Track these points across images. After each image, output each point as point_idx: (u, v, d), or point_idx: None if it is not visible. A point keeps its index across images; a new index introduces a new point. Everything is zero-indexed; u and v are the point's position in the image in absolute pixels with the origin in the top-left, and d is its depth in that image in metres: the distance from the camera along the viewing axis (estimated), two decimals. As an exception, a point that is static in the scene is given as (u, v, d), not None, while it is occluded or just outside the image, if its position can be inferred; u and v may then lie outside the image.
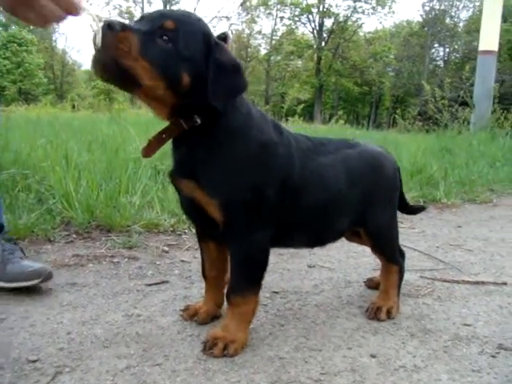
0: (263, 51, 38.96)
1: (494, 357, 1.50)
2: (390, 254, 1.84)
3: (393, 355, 1.50)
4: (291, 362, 1.43)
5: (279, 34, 36.78)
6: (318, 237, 1.70)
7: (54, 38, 46.28)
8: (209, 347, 1.44)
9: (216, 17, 36.02)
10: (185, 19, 1.28)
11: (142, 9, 33.70)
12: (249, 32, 39.16)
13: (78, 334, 1.54)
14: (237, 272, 1.47)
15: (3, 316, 1.63)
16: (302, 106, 16.05)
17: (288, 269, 2.36)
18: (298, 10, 32.85)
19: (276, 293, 2.02)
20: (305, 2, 32.95)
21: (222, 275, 1.68)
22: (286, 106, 12.27)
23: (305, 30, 35.21)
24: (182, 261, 2.41)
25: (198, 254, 2.52)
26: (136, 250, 2.51)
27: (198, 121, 1.34)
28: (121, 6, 33.36)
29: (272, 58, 37.31)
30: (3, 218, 1.97)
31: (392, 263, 1.85)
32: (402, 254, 1.90)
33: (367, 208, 1.70)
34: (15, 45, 36.87)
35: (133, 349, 1.46)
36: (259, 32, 38.52)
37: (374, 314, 1.78)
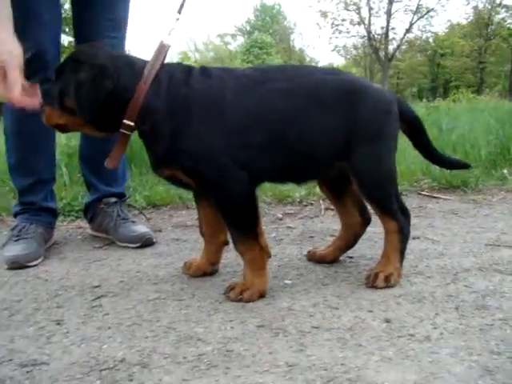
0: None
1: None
2: (383, 201, 1.64)
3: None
4: (295, 313, 1.45)
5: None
6: (290, 169, 1.62)
7: (291, 39, 49.88)
8: (228, 291, 1.56)
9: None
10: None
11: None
12: (489, 7, 34.84)
13: (144, 273, 1.84)
14: (228, 223, 1.58)
15: (105, 257, 2.06)
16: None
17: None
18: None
19: (350, 257, 1.97)
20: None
21: (216, 233, 1.75)
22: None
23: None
24: (289, 227, 2.52)
25: (309, 222, 2.62)
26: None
27: (130, 123, 1.50)
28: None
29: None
30: (124, 187, 2.42)
31: (388, 217, 1.64)
32: (405, 213, 1.67)
33: (350, 141, 1.57)
34: (256, 48, 41.25)
35: (174, 287, 1.69)
36: (500, 5, 33.70)
37: (372, 281, 1.62)
